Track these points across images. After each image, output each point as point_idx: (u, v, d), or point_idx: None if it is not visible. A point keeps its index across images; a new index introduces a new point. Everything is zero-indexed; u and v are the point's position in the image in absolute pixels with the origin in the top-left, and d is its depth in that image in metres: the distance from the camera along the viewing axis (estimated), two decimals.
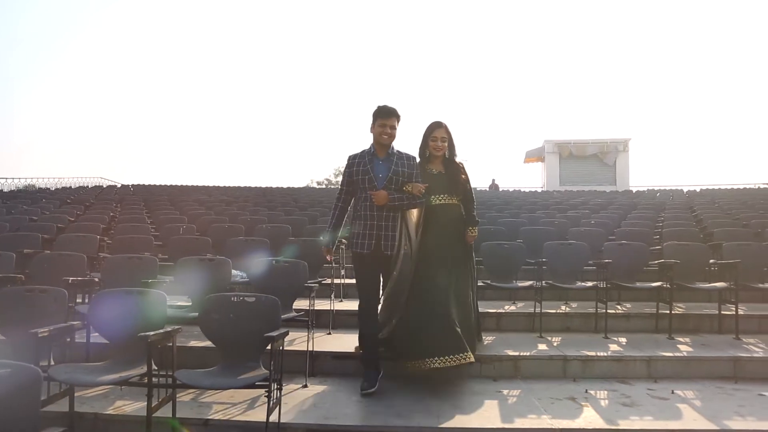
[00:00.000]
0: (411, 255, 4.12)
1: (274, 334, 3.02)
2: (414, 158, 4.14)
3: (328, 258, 4.25)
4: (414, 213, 4.23)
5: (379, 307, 4.13)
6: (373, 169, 3.97)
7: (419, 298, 4.07)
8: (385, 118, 3.95)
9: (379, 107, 3.98)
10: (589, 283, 5.54)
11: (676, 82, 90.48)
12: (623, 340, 4.87)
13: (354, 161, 4.06)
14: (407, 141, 4.20)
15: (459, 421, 3.34)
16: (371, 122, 4.00)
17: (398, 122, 3.99)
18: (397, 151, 4.06)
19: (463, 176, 4.33)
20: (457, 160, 4.40)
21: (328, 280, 5.40)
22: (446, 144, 4.28)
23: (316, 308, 5.10)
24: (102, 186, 22.36)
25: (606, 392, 3.88)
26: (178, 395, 3.48)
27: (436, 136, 4.27)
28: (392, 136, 3.99)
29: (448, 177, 4.28)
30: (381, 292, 4.17)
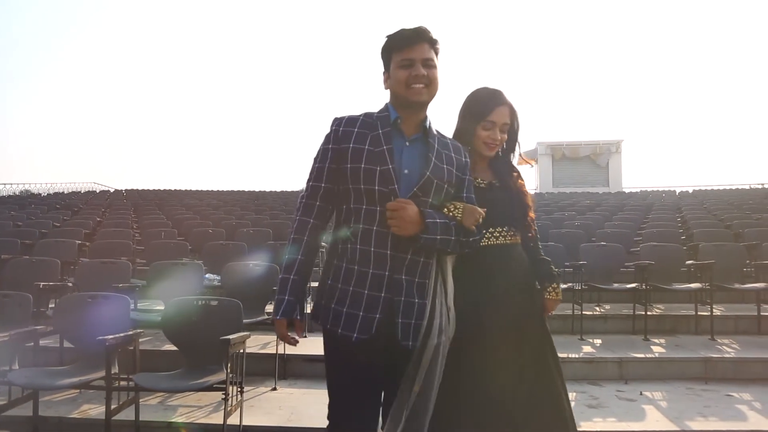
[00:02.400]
0: (445, 345, 1.87)
1: (231, 337, 3.01)
2: (464, 148, 2.05)
3: (287, 338, 1.95)
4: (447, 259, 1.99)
5: None
6: (392, 157, 1.82)
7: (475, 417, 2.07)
8: (408, 47, 1.84)
9: (390, 36, 1.88)
10: (564, 285, 5.54)
11: (668, 83, 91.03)
12: (598, 341, 4.87)
13: (350, 132, 1.86)
14: None
15: None
16: (384, 66, 1.92)
17: (437, 55, 1.88)
18: (437, 130, 1.96)
19: (525, 191, 2.33)
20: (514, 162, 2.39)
21: None
22: (506, 137, 2.25)
23: None
24: (95, 191, 22.24)
25: (574, 394, 3.87)
26: (146, 399, 3.49)
27: (495, 120, 2.18)
28: (433, 85, 1.86)
29: (505, 193, 2.22)
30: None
